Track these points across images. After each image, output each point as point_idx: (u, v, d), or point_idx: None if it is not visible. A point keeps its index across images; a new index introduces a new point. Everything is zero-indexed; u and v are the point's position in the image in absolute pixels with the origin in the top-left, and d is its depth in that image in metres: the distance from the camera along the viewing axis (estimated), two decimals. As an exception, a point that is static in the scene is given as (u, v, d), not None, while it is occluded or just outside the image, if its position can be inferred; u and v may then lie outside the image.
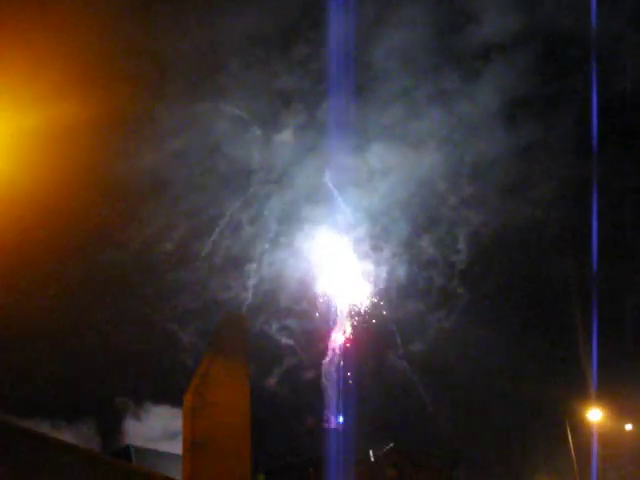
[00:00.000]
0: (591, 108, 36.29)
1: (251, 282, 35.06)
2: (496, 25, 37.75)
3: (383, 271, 36.26)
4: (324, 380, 35.59)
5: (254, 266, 34.92)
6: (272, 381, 35.08)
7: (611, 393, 37.76)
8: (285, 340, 35.42)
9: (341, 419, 35.47)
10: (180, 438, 31.57)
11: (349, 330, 36.12)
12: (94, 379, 35.37)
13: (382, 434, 36.50)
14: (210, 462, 27.18)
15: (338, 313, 36.15)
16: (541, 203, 37.41)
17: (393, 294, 36.68)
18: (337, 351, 35.95)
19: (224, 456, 27.39)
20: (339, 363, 35.78)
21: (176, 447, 32.30)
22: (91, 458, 23.76)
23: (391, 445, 35.69)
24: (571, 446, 38.54)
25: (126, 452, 31.00)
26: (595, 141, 36.32)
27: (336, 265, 36.01)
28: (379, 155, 35.68)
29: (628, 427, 39.92)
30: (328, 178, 34.62)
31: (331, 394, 35.58)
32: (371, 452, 35.03)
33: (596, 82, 36.31)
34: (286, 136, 34.80)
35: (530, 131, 37.56)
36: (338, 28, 35.43)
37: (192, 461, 27.22)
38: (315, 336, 35.87)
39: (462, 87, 37.55)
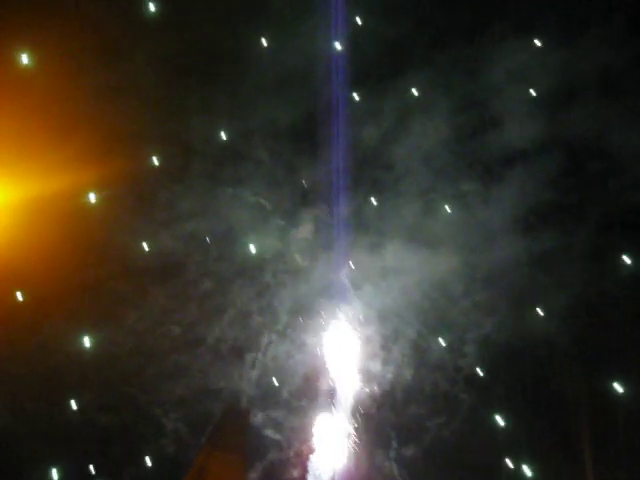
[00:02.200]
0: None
1: (253, 373, 34.37)
2: (518, 132, 38.04)
3: (389, 372, 35.57)
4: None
5: (259, 357, 34.28)
6: (254, 476, 33.95)
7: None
8: (272, 434, 34.45)
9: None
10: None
11: (346, 429, 35.21)
12: (72, 457, 34.11)
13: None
14: None
15: (337, 412, 35.29)
16: (554, 315, 36.91)
17: (397, 396, 35.89)
18: (329, 450, 34.94)
19: None
20: (330, 463, 34.76)
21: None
22: None
23: None
24: None
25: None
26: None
27: (343, 363, 35.34)
28: (395, 254, 35.47)
29: None
30: (344, 274, 34.40)
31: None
32: None
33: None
34: (305, 229, 34.76)
35: (547, 241, 37.38)
36: (359, 126, 35.90)
37: None
38: (307, 432, 34.88)
39: (482, 191, 37.57)
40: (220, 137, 34.27)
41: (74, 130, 32.42)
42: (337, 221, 34.69)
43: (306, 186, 35.00)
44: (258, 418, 34.05)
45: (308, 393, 34.62)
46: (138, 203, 33.72)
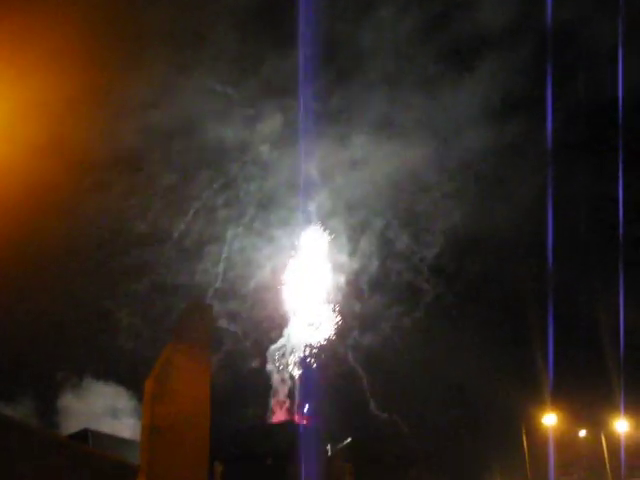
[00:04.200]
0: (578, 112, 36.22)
1: (219, 268, 34.16)
2: (489, 18, 36.92)
3: (356, 262, 35.67)
4: (273, 370, 35.04)
5: (225, 251, 34.00)
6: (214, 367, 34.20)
7: (566, 399, 37.85)
8: (231, 326, 34.64)
9: (306, 409, 35.16)
10: (125, 419, 30.83)
11: (309, 320, 35.55)
12: (32, 355, 33.83)
13: (341, 430, 36.19)
14: (169, 449, 26.57)
15: (302, 302, 35.51)
16: (519, 204, 37.02)
17: (362, 286, 36.15)
18: (292, 340, 35.32)
19: (183, 443, 26.77)
20: (292, 352, 35.26)
21: (119, 427, 31.62)
22: (53, 441, 23.02)
23: (348, 440, 35.37)
24: (525, 449, 38.72)
25: (84, 436, 30.16)
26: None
27: (308, 254, 35.29)
28: (363, 145, 34.90)
29: (582, 433, 40.27)
30: (311, 166, 33.79)
31: (277, 383, 35.12)
32: (329, 446, 34.70)
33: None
34: (272, 121, 33.78)
35: (515, 131, 36.97)
36: (325, 11, 34.54)
37: (151, 448, 26.60)
38: (269, 324, 35.12)
39: (450, 80, 36.82)
40: (180, 19, 32.38)
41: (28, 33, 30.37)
42: (304, 112, 33.76)
43: (272, 75, 33.74)
44: (222, 311, 34.10)
45: (275, 285, 34.68)
46: (92, 92, 32.17)
